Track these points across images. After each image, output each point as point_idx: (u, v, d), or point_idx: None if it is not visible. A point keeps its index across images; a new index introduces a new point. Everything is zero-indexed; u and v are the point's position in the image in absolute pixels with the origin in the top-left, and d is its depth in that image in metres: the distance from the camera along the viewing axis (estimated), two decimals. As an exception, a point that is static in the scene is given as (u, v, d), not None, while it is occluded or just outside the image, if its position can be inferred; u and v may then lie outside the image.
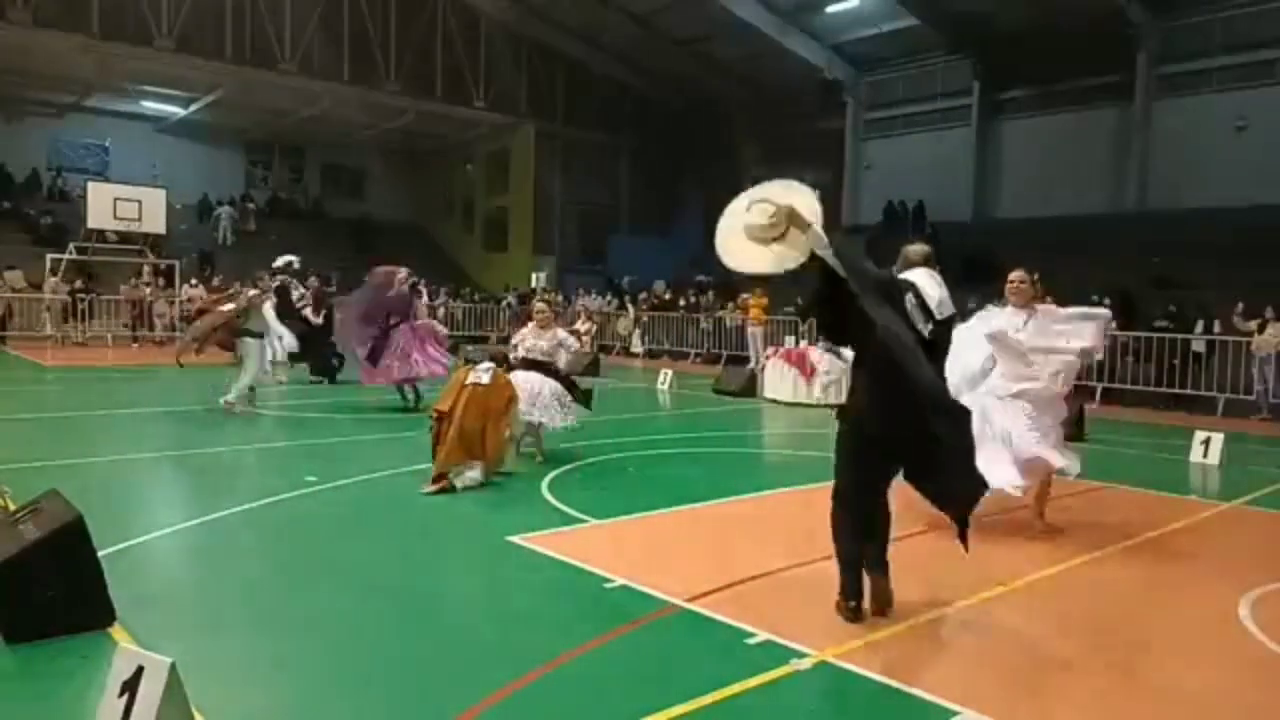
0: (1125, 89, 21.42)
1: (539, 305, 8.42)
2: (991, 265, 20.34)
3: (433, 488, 6.44)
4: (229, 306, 10.35)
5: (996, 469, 5.20)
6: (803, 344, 15.44)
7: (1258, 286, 14.05)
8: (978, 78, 24.10)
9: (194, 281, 22.55)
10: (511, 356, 7.80)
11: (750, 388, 13.98)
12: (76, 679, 3.29)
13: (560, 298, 25.73)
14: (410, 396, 10.76)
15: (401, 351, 10.24)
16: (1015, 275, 5.79)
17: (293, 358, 13.82)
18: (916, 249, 4.28)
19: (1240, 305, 13.55)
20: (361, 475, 6.98)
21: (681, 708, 3.14)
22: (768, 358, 14.56)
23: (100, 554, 3.80)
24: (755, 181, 4.24)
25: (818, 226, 3.78)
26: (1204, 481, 8.04)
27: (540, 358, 7.72)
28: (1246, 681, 3.62)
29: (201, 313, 10.97)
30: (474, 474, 6.59)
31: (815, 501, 6.60)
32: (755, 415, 12.06)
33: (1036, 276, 5.83)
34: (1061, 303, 6.04)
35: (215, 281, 23.32)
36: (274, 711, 3.22)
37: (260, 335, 10.32)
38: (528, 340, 7.86)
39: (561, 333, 8.04)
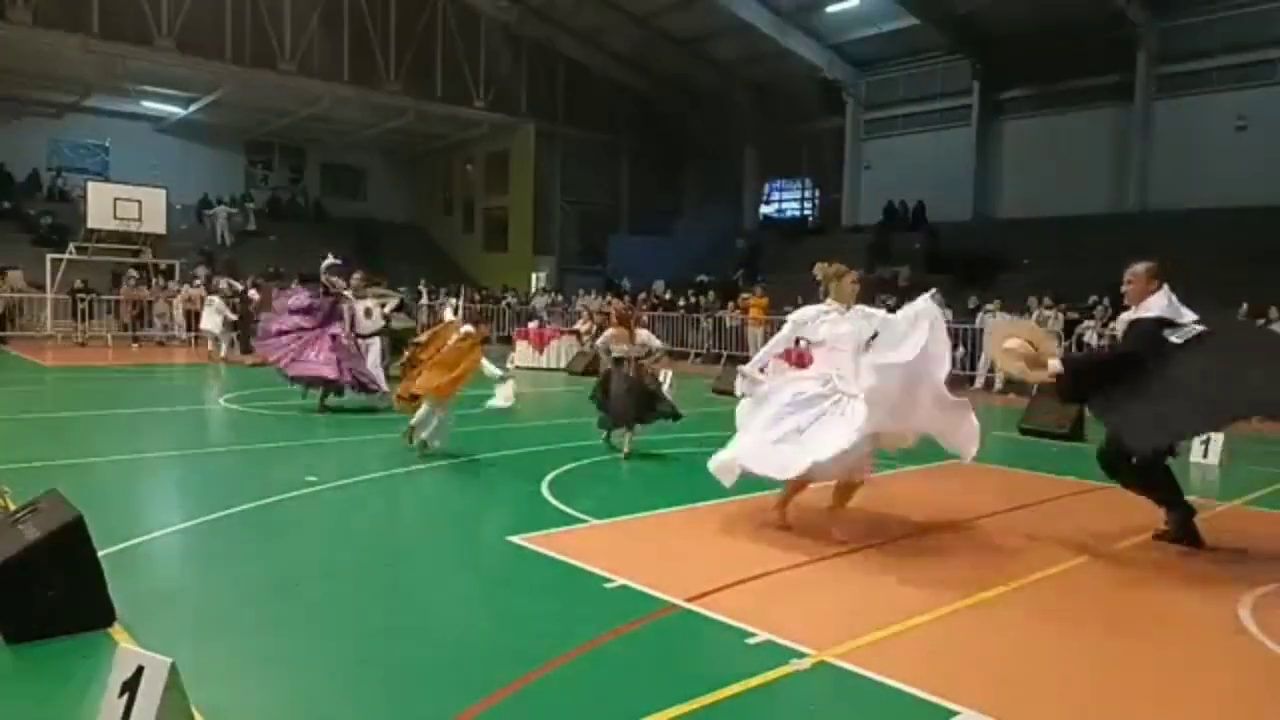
0: (1125, 89, 21.42)
1: (618, 306, 9.52)
2: (992, 265, 20.49)
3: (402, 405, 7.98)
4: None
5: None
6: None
7: (1258, 286, 14.05)
8: (978, 78, 24.10)
9: (196, 282, 22.55)
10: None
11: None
12: (76, 679, 3.29)
13: (560, 297, 25.76)
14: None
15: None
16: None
17: None
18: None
19: (1244, 306, 13.50)
20: (361, 475, 6.98)
21: (681, 708, 3.13)
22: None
23: (100, 554, 3.79)
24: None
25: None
26: (1204, 481, 8.04)
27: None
28: (1247, 681, 3.62)
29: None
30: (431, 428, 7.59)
31: (815, 501, 6.61)
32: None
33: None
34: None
35: (215, 282, 23.33)
36: (274, 711, 3.22)
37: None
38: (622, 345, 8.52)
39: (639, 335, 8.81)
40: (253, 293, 19.41)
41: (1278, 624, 4.15)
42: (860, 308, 5.73)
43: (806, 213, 30.48)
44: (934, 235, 23.13)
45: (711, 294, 22.68)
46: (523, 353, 18.37)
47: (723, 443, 5.50)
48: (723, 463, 5.66)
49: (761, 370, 5.97)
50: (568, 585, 4.55)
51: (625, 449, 8.17)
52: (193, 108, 27.70)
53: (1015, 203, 23.52)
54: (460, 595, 4.49)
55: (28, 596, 3.57)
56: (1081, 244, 19.27)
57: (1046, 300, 15.79)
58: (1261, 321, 13.29)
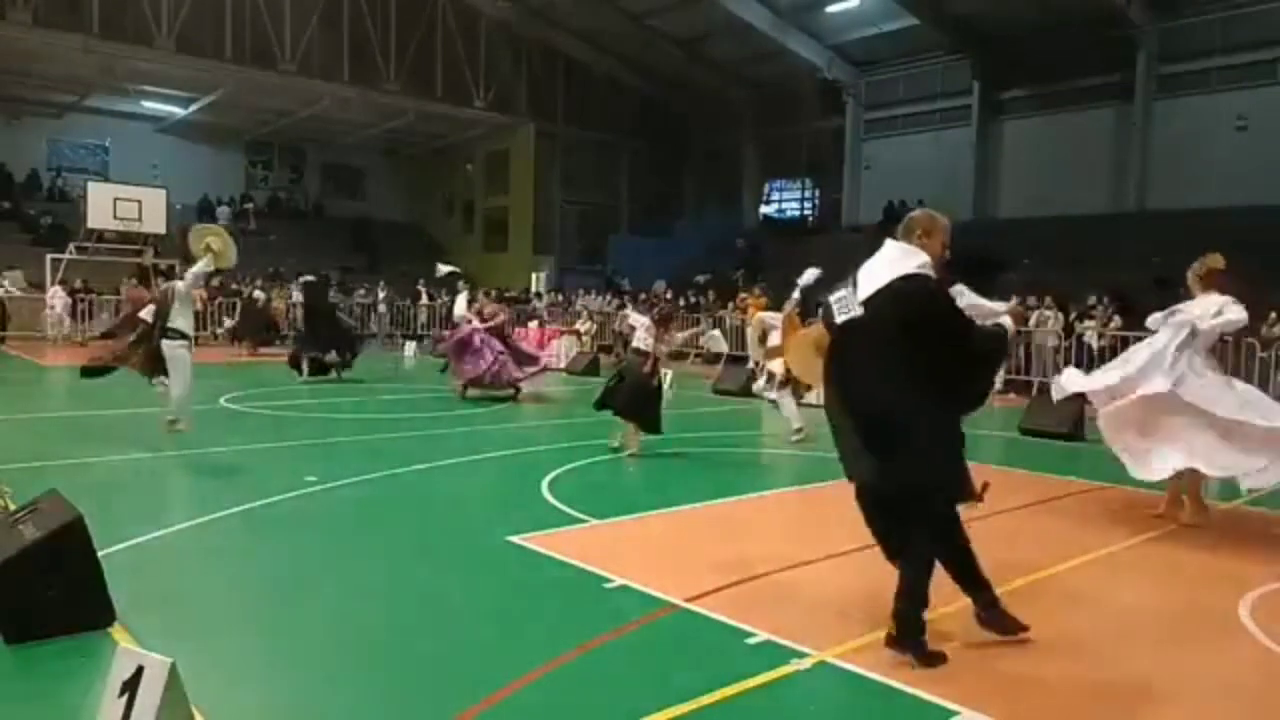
0: (1125, 89, 21.42)
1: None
2: (991, 264, 20.48)
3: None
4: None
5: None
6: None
7: (1258, 287, 14.03)
8: (978, 78, 24.10)
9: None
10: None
11: (750, 388, 13.95)
12: (76, 679, 3.29)
13: (559, 297, 25.76)
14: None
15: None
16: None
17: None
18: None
19: (1273, 315, 13.48)
20: (361, 475, 6.98)
21: (681, 708, 3.13)
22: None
23: (100, 554, 3.79)
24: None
25: None
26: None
27: None
28: (1246, 681, 3.62)
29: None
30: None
31: (814, 501, 6.62)
32: (755, 415, 12.05)
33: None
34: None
35: (215, 281, 23.32)
36: (274, 711, 3.22)
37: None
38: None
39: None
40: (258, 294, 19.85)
41: (1278, 624, 4.15)
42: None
43: (806, 213, 30.49)
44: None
45: (711, 294, 22.67)
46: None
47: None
48: None
49: None
50: (567, 585, 4.55)
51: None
52: (193, 108, 27.70)
53: (1015, 203, 23.52)
54: (460, 595, 4.49)
55: (28, 596, 3.57)
56: (1081, 244, 19.27)
57: (1048, 300, 15.79)
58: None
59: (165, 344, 7.92)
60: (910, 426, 3.52)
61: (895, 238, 3.78)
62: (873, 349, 3.60)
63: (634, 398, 8.16)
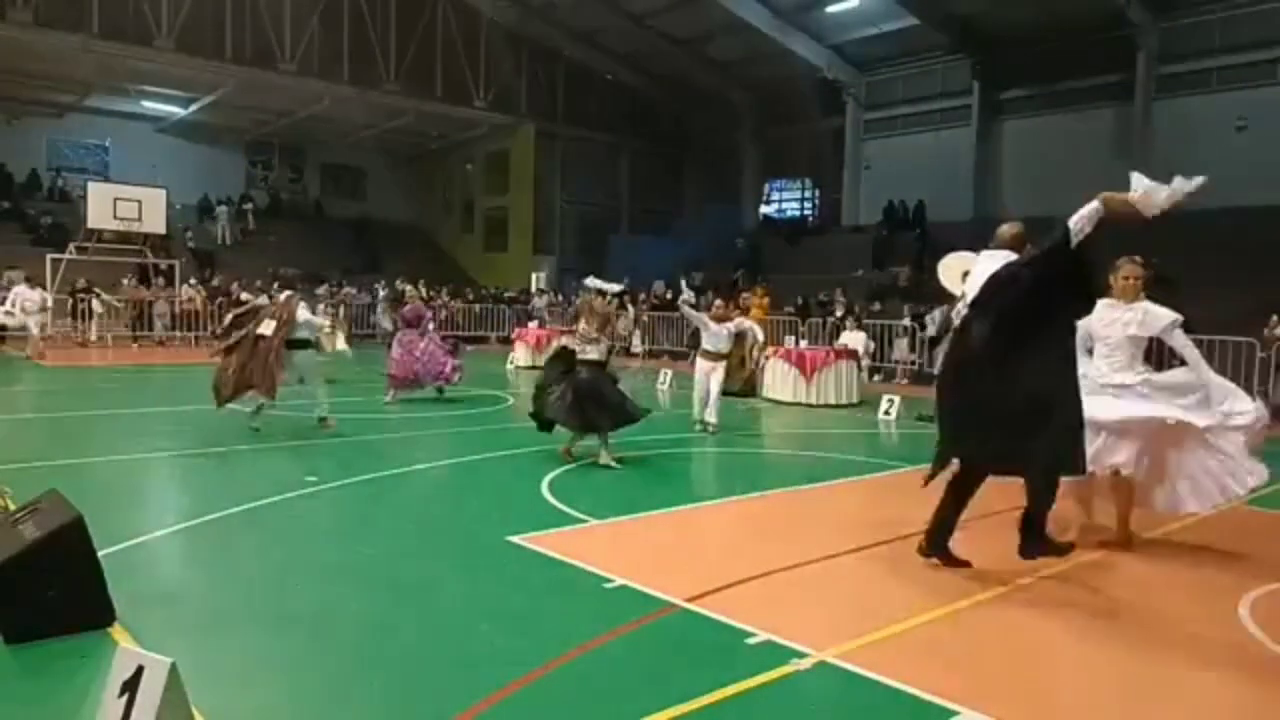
0: (1125, 89, 21.41)
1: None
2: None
3: None
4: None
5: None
6: (802, 344, 15.43)
7: (1258, 287, 14.03)
8: (978, 78, 24.09)
9: (193, 281, 22.55)
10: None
11: (750, 388, 13.95)
12: (76, 679, 3.29)
13: (560, 297, 25.74)
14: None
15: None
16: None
17: None
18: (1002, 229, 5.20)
19: (1274, 317, 13.46)
20: (361, 475, 6.99)
21: (681, 708, 3.14)
22: (767, 357, 14.51)
23: (100, 554, 3.80)
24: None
25: None
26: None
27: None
28: (1246, 681, 3.62)
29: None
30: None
31: (814, 501, 6.63)
32: (755, 415, 12.06)
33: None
34: None
35: (214, 282, 23.32)
36: (274, 711, 3.22)
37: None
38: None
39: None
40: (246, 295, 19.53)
41: (1278, 624, 4.15)
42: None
43: (806, 213, 30.48)
44: (923, 237, 23.07)
45: (711, 294, 22.65)
46: (523, 353, 18.36)
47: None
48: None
49: None
50: (568, 585, 4.55)
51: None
52: (193, 108, 27.68)
53: (1015, 203, 23.44)
54: (460, 595, 4.49)
55: (28, 596, 3.57)
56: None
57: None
58: None
59: (299, 354, 8.94)
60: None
61: (990, 247, 5.25)
62: (1009, 321, 4.59)
63: (615, 408, 7.70)
